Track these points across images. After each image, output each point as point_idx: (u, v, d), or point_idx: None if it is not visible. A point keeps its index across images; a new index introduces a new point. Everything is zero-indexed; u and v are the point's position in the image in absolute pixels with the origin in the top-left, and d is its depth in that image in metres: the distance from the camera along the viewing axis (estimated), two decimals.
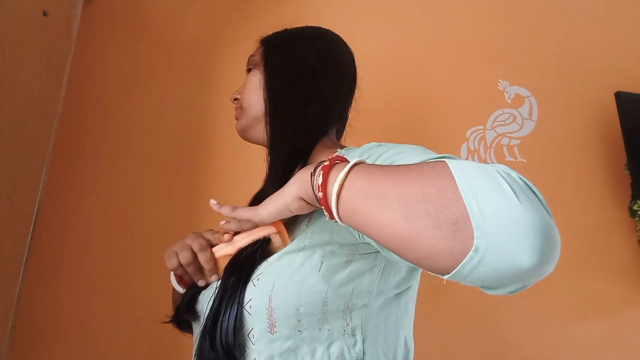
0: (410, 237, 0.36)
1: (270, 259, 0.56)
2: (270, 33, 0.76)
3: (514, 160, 1.45)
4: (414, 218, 0.36)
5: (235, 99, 0.76)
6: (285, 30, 0.76)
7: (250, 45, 0.79)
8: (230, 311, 0.54)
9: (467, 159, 1.44)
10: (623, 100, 1.39)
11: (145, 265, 1.20)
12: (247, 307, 0.54)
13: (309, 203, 0.49)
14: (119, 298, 1.20)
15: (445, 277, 0.36)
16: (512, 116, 1.49)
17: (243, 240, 0.59)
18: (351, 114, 0.78)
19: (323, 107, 0.68)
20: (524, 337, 1.30)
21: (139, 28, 1.44)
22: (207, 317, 0.56)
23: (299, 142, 0.65)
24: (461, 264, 0.34)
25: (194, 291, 0.65)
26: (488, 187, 0.34)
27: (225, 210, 0.57)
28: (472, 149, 1.45)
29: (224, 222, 0.61)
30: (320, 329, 0.53)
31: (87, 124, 1.32)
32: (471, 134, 1.46)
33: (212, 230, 0.65)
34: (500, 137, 1.47)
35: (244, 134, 0.74)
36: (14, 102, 0.93)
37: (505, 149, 1.46)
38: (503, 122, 1.49)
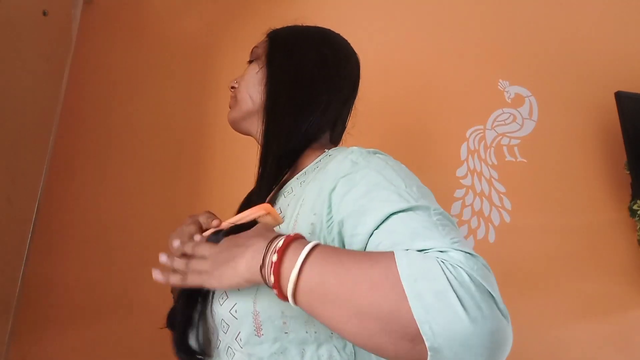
0: (373, 349, 0.40)
1: None
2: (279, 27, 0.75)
3: (514, 160, 1.45)
4: (374, 336, 0.39)
5: (232, 87, 0.75)
6: (293, 27, 0.75)
7: (250, 45, 0.78)
8: (199, 317, 0.57)
9: (467, 158, 1.44)
10: (623, 100, 1.39)
11: (145, 265, 1.20)
12: (232, 311, 0.53)
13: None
14: (119, 298, 1.20)
15: None
16: (512, 116, 1.49)
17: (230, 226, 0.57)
18: (352, 113, 0.77)
19: (317, 114, 0.67)
20: (524, 337, 1.30)
21: (139, 28, 1.44)
22: (177, 325, 0.58)
23: (291, 144, 0.66)
24: None
25: (187, 295, 0.63)
26: (438, 306, 0.37)
27: (176, 264, 0.54)
28: (472, 148, 1.45)
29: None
30: (306, 332, 0.52)
31: (87, 124, 1.32)
32: (471, 133, 1.46)
33: (209, 212, 0.63)
34: (500, 136, 1.47)
35: (234, 125, 0.74)
36: (14, 102, 0.93)
37: (505, 148, 1.46)
38: (503, 122, 1.49)
